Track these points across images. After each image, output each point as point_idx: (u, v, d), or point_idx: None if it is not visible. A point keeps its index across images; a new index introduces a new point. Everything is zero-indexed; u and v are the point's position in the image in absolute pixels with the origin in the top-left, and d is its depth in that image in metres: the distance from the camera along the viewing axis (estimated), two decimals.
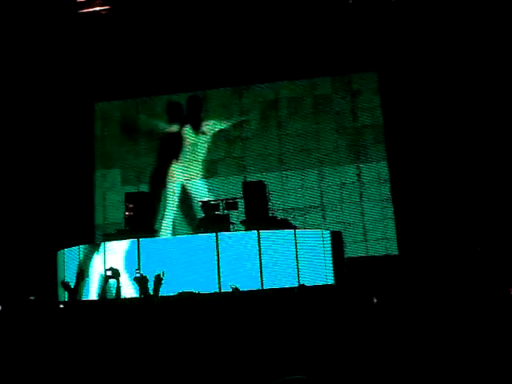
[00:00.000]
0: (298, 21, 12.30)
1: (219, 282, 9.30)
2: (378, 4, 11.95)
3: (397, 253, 12.04)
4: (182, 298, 4.56)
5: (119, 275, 6.37)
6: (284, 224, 10.84)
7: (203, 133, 13.40)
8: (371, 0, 11.98)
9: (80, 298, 5.63)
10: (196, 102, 13.49)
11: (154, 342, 4.28)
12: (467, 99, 11.69)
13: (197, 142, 13.40)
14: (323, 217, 12.74)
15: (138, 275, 5.31)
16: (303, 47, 12.68)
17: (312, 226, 12.30)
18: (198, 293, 5.18)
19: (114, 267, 7.17)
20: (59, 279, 10.56)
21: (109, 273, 6.54)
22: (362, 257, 12.17)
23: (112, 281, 6.93)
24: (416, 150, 11.98)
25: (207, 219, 11.02)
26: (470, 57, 11.66)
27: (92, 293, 9.21)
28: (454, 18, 11.55)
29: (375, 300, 6.62)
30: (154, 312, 4.75)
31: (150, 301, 4.92)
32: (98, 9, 11.47)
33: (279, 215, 12.14)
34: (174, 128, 13.46)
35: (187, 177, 13.30)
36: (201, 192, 13.06)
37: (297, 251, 9.72)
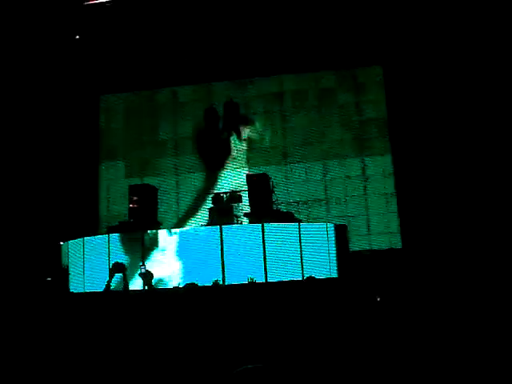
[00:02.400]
0: (302, 14, 12.24)
1: (223, 275, 9.34)
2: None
3: (400, 246, 12.03)
4: (186, 291, 4.58)
5: (126, 269, 6.38)
6: (288, 217, 10.84)
7: (245, 139, 13.42)
8: None
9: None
10: (234, 108, 13.49)
11: (157, 332, 4.32)
12: (471, 92, 11.64)
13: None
14: (327, 210, 12.73)
15: (144, 270, 5.32)
16: (308, 41, 12.63)
17: (316, 220, 12.29)
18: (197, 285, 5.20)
19: (120, 261, 7.16)
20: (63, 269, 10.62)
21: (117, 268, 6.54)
22: (365, 250, 12.16)
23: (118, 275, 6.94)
24: (420, 143, 11.94)
25: (215, 211, 11.07)
26: (475, 50, 11.60)
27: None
28: (458, 13, 11.48)
29: (378, 298, 6.63)
30: (158, 304, 4.78)
31: (153, 293, 4.95)
32: (103, 1, 11.45)
33: (283, 208, 12.15)
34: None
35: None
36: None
37: (301, 244, 9.74)
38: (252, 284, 6.04)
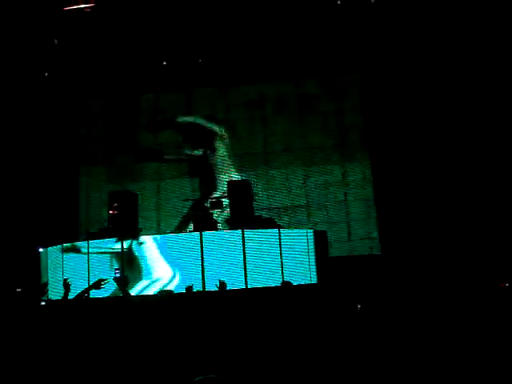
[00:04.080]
0: (285, 22, 12.31)
1: (203, 281, 9.31)
2: (363, 7, 11.99)
3: (379, 252, 12.08)
4: (161, 297, 4.55)
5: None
6: (269, 223, 10.85)
7: (215, 149, 13.47)
8: (357, 3, 12.00)
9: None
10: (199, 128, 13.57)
11: (133, 340, 4.28)
12: (450, 100, 11.79)
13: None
14: (308, 216, 12.76)
15: (118, 275, 5.29)
16: (290, 48, 12.70)
17: (297, 226, 12.31)
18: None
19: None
20: (42, 277, 10.51)
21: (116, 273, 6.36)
22: (345, 256, 12.19)
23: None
24: (399, 150, 12.05)
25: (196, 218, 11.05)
26: (453, 58, 11.76)
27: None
28: (437, 21, 11.64)
29: (359, 306, 6.65)
30: (133, 311, 4.74)
31: (128, 300, 4.91)
32: (82, 6, 11.40)
33: (264, 214, 12.16)
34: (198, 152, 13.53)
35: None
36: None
37: (281, 250, 9.74)
38: (223, 286, 5.99)
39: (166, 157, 13.49)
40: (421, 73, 12.04)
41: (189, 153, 13.47)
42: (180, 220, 13.09)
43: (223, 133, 13.43)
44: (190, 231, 10.97)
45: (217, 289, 6.11)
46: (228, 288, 7.27)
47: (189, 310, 5.11)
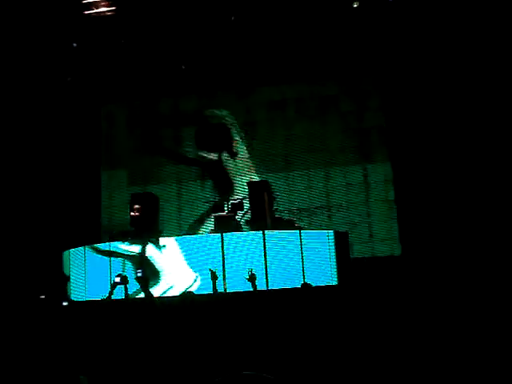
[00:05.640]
0: (304, 24, 12.31)
1: (224, 283, 9.31)
2: (382, 8, 11.94)
3: (400, 253, 12.02)
4: (184, 299, 4.57)
5: (127, 282, 6.33)
6: (290, 225, 10.84)
7: (236, 153, 13.48)
8: (375, 4, 11.96)
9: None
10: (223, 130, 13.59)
11: (154, 342, 4.31)
12: (470, 100, 11.67)
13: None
14: (329, 217, 12.73)
15: (140, 274, 5.33)
16: (310, 49, 12.70)
17: (318, 227, 12.29)
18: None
19: (123, 273, 7.15)
20: (65, 278, 10.62)
21: (117, 279, 6.47)
22: (367, 257, 12.15)
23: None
24: (420, 151, 11.97)
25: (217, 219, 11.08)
26: (472, 58, 11.64)
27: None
28: (456, 20, 11.53)
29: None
30: (156, 313, 4.77)
31: (151, 302, 4.94)
32: (103, 10, 11.50)
33: (285, 216, 12.15)
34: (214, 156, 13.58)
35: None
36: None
37: (302, 252, 9.71)
38: (253, 278, 6.00)
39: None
40: (443, 73, 11.95)
41: (204, 155, 13.51)
42: (196, 220, 13.17)
43: (243, 136, 13.45)
44: (211, 232, 11.01)
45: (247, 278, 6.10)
46: (249, 289, 7.28)
47: (210, 311, 5.13)
